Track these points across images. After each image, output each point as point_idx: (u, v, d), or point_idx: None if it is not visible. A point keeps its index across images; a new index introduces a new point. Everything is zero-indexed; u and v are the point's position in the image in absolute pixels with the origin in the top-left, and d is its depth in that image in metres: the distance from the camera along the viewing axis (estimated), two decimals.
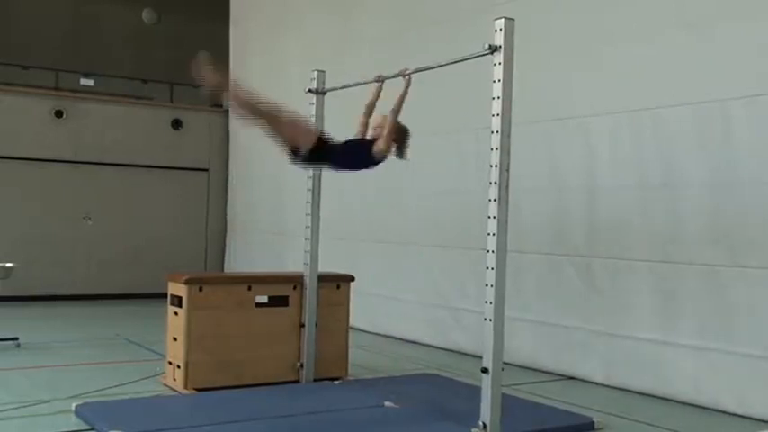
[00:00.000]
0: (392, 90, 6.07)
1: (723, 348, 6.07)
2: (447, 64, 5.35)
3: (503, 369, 4.77)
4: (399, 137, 5.56)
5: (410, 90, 5.56)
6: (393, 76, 5.80)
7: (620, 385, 6.80)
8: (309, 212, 6.68)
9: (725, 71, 6.15)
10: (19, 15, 13.67)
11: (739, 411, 5.91)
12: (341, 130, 5.82)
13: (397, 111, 5.50)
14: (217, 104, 5.64)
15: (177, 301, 6.36)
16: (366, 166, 5.66)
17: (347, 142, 5.67)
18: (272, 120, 5.45)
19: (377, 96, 5.94)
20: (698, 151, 6.34)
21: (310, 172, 6.68)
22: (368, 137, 5.70)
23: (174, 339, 6.38)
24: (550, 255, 7.57)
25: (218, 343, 6.31)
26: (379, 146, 5.46)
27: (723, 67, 6.16)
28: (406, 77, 5.67)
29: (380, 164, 5.60)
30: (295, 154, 5.48)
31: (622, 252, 6.91)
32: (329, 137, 5.57)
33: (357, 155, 5.59)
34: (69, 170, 12.78)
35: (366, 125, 5.81)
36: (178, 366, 6.29)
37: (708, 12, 6.33)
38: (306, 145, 5.38)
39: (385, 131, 5.43)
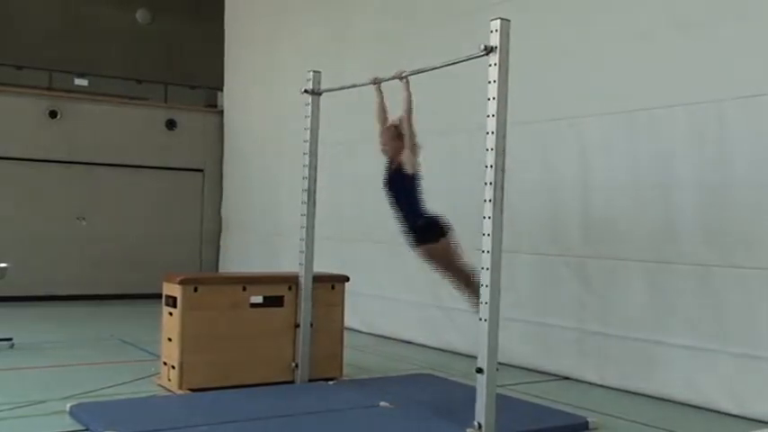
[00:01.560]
0: (389, 91, 6.11)
1: (717, 348, 6.08)
2: (443, 66, 5.36)
3: (497, 369, 4.77)
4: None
5: (411, 89, 5.66)
6: (389, 79, 5.82)
7: (615, 385, 6.82)
8: (304, 213, 6.68)
9: (719, 72, 6.17)
10: (13, 15, 13.66)
11: (734, 411, 5.92)
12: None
13: (409, 115, 5.65)
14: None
15: (172, 302, 6.35)
16: (416, 187, 5.88)
17: (389, 193, 5.98)
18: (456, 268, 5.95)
19: (382, 98, 6.03)
20: (692, 152, 6.36)
21: (305, 172, 6.68)
22: (387, 151, 5.95)
23: (169, 340, 6.37)
24: (545, 255, 7.58)
25: (212, 343, 6.31)
26: (406, 161, 5.73)
27: (718, 67, 6.17)
28: (404, 80, 5.72)
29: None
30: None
31: (616, 252, 6.93)
32: (408, 227, 5.90)
33: (404, 190, 5.86)
34: (63, 170, 12.77)
35: (386, 135, 5.98)
36: (173, 367, 6.28)
37: (702, 12, 6.34)
38: (451, 247, 5.90)
39: (406, 146, 5.73)
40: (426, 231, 5.78)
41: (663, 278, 6.52)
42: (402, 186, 5.84)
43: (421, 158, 5.93)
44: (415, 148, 5.81)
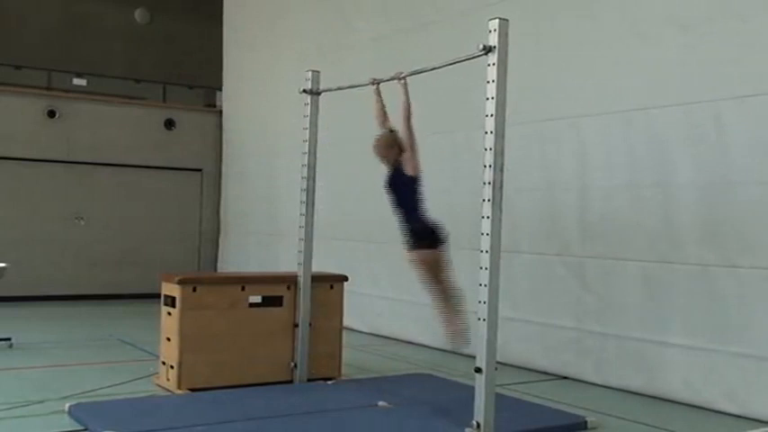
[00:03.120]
0: (387, 92, 6.10)
1: (715, 348, 6.09)
2: (441, 66, 5.37)
3: (496, 369, 4.78)
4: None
5: (410, 92, 5.66)
6: (388, 80, 5.83)
7: (613, 385, 6.82)
8: (303, 212, 6.68)
9: (716, 71, 6.18)
10: (11, 15, 13.64)
11: (732, 410, 5.93)
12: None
13: (407, 120, 5.64)
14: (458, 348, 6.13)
15: (171, 302, 6.35)
16: (417, 189, 5.83)
17: (390, 192, 5.92)
18: (438, 279, 5.86)
19: (381, 101, 6.01)
20: (690, 151, 6.37)
21: (304, 172, 6.68)
22: (384, 161, 5.92)
23: (168, 339, 6.37)
24: (543, 255, 7.59)
25: (211, 343, 6.31)
26: (411, 165, 5.73)
27: (714, 67, 6.18)
28: (402, 82, 5.71)
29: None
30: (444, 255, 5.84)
31: (615, 252, 6.93)
32: (407, 230, 5.84)
33: (404, 193, 5.82)
34: (62, 170, 12.76)
35: (380, 144, 5.96)
36: (171, 366, 6.28)
37: (699, 12, 6.35)
38: (441, 255, 5.80)
39: (407, 149, 5.72)
40: (421, 236, 5.71)
41: (661, 278, 6.53)
42: (401, 188, 5.81)
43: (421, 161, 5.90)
44: (415, 152, 5.78)
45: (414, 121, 5.73)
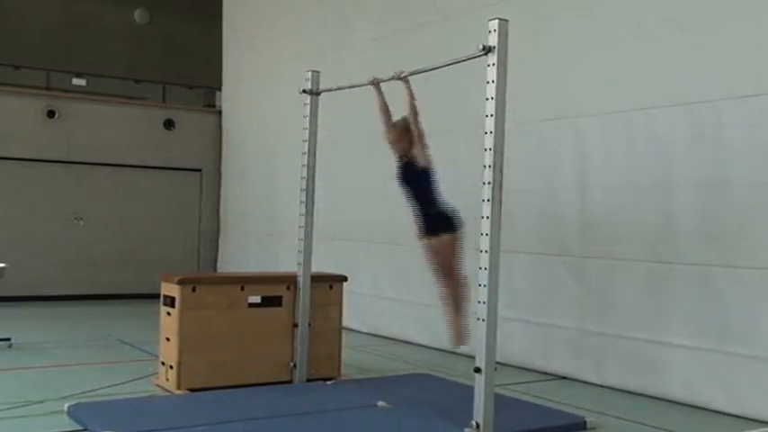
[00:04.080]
0: (388, 91, 6.11)
1: (715, 348, 6.09)
2: (442, 66, 5.37)
3: (495, 369, 4.78)
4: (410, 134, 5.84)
5: (413, 88, 5.70)
6: (388, 79, 5.83)
7: (613, 385, 6.82)
8: (303, 212, 6.68)
9: (716, 71, 6.18)
10: (10, 15, 13.64)
11: (731, 410, 5.93)
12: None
13: (415, 115, 5.65)
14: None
15: (170, 302, 6.35)
16: (431, 180, 5.86)
17: (404, 187, 5.97)
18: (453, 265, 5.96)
19: (383, 97, 6.02)
20: (689, 151, 6.37)
21: (303, 172, 6.68)
22: (396, 147, 5.93)
23: (167, 340, 6.37)
24: (543, 255, 7.58)
25: (211, 343, 6.31)
26: (422, 157, 5.76)
27: (714, 67, 6.19)
28: (403, 80, 5.72)
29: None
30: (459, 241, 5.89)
31: (614, 252, 6.93)
32: (420, 219, 5.87)
33: (419, 184, 5.85)
34: (61, 170, 12.76)
35: (395, 130, 5.95)
36: (171, 367, 6.28)
37: (699, 12, 6.35)
38: (456, 241, 5.85)
39: (417, 143, 5.74)
40: (437, 222, 5.75)
41: (661, 278, 6.53)
42: (415, 180, 5.82)
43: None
44: (424, 145, 5.79)
45: (420, 118, 5.75)
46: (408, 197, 5.91)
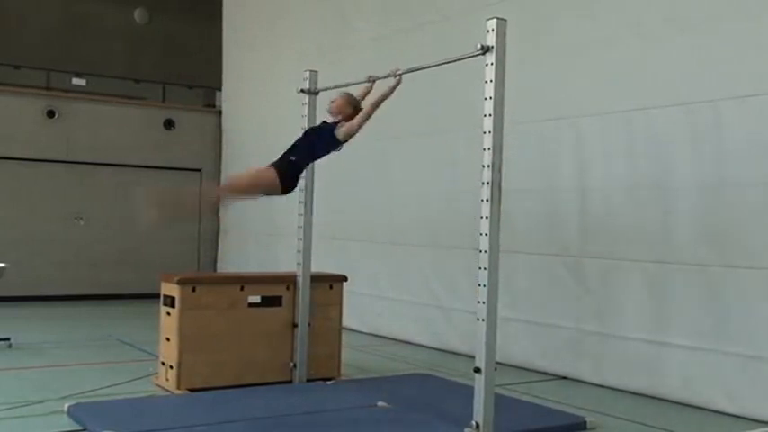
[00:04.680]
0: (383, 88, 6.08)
1: (714, 348, 6.09)
2: (439, 64, 5.37)
3: (495, 369, 4.77)
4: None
5: (398, 90, 5.60)
6: (384, 77, 5.82)
7: (613, 385, 6.82)
8: (302, 212, 6.68)
9: (716, 71, 6.18)
10: (10, 15, 13.63)
11: (731, 411, 5.93)
12: None
13: (376, 105, 5.56)
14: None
15: (170, 302, 6.35)
16: (329, 150, 5.75)
17: (306, 135, 5.87)
18: (247, 191, 6.07)
19: (363, 97, 5.96)
20: (689, 152, 6.37)
21: (304, 173, 6.66)
22: (330, 119, 5.80)
23: (167, 339, 6.37)
24: (542, 255, 7.58)
25: (210, 343, 6.31)
26: (346, 131, 5.60)
27: (714, 67, 6.18)
28: (397, 77, 5.70)
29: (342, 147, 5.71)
30: (276, 193, 5.77)
31: (614, 252, 6.93)
32: (286, 156, 5.66)
33: (319, 142, 5.72)
34: (61, 170, 12.76)
35: (349, 98, 5.86)
36: (171, 367, 6.28)
37: (699, 12, 6.35)
38: (275, 189, 5.72)
39: (356, 121, 5.57)
40: (288, 171, 5.64)
41: (660, 278, 6.53)
42: (318, 140, 5.70)
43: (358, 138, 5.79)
44: (359, 128, 5.60)
45: (377, 111, 5.62)
46: (297, 147, 5.72)
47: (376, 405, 5.72)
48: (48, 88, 13.13)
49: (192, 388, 6.18)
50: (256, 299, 6.57)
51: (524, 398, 6.30)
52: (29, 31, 13.71)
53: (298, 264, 6.67)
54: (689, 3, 6.47)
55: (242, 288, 6.55)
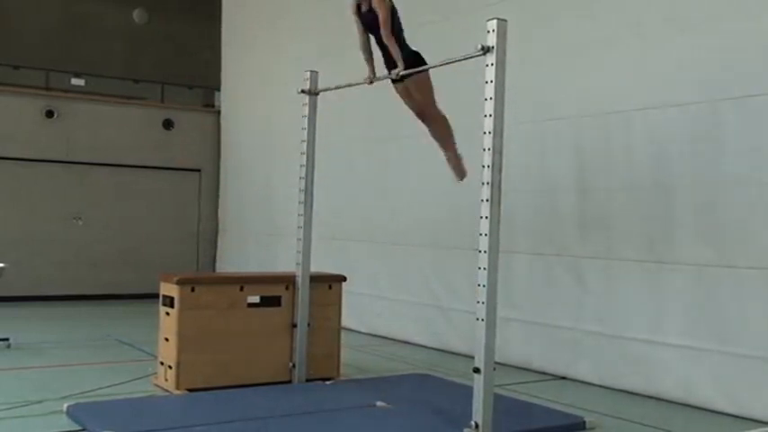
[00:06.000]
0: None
1: (713, 348, 6.09)
2: (439, 65, 5.37)
3: (494, 369, 4.77)
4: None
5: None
6: (384, 78, 5.83)
7: (612, 385, 6.82)
8: (301, 212, 6.68)
9: (716, 71, 6.18)
10: (10, 15, 13.63)
11: (730, 410, 5.93)
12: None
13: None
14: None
15: (169, 302, 6.35)
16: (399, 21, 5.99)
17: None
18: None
19: (366, 35, 6.20)
20: (688, 151, 6.37)
21: (302, 172, 6.67)
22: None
23: (166, 340, 6.37)
24: (542, 255, 7.58)
25: (210, 343, 6.30)
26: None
27: (714, 67, 6.18)
28: (397, 75, 5.73)
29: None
30: None
31: (612, 252, 6.93)
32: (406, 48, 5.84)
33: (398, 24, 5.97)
34: (60, 170, 12.75)
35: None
36: (170, 367, 6.28)
37: (699, 12, 6.35)
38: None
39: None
40: (408, 61, 5.75)
41: (659, 278, 6.53)
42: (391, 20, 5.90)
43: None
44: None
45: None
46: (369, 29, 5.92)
47: (375, 405, 5.72)
48: (47, 88, 13.13)
49: (191, 388, 6.18)
50: (256, 299, 6.57)
51: (523, 398, 6.30)
52: (28, 31, 13.70)
53: (297, 264, 6.67)
54: (689, 3, 6.47)
55: (241, 288, 6.55)
